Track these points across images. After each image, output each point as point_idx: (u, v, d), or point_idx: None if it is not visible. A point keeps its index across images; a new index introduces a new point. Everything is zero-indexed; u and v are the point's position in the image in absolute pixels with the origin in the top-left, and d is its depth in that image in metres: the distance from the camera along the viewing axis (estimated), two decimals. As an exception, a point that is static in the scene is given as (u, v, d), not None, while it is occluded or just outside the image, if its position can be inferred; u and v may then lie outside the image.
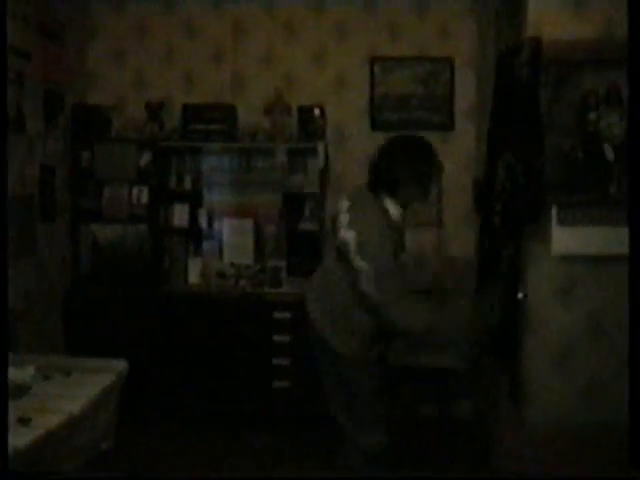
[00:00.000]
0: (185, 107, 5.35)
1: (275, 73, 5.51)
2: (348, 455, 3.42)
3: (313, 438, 4.62)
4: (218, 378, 5.08)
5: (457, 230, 5.35)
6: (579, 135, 4.01)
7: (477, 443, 4.75)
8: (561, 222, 4.03)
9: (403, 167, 3.22)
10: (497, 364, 4.22)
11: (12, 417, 2.55)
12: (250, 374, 5.08)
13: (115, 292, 5.18)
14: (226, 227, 5.42)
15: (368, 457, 3.33)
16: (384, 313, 3.13)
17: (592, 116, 3.99)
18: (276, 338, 5.06)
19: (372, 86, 5.48)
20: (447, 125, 5.44)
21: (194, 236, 5.45)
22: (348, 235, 3.17)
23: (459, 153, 5.37)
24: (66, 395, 3.01)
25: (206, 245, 5.43)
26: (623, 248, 3.96)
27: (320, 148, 5.18)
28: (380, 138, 5.15)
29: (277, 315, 5.07)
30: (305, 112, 5.27)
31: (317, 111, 5.26)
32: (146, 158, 5.28)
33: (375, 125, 5.46)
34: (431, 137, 5.32)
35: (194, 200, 5.43)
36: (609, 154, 4.00)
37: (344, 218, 3.23)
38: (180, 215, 5.42)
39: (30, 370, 3.18)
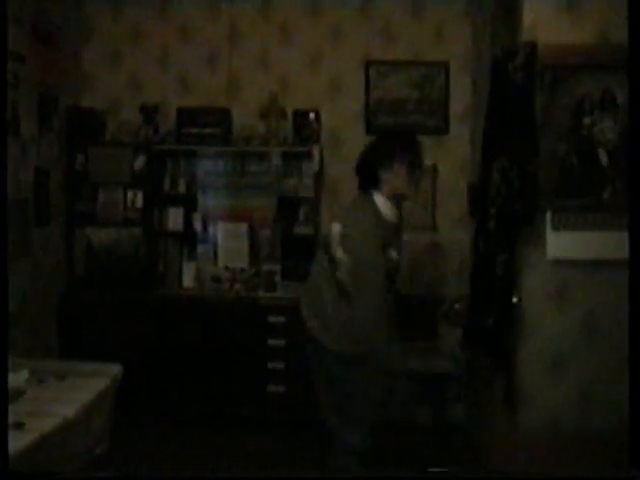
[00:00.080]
0: (180, 110, 5.34)
1: (270, 77, 5.51)
2: (338, 455, 3.41)
3: (307, 442, 4.61)
4: (212, 382, 5.07)
5: (451, 234, 5.36)
6: (573, 140, 4.02)
7: (471, 447, 4.75)
8: (555, 226, 4.04)
9: (382, 152, 3.23)
10: (492, 368, 4.22)
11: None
12: (245, 378, 5.07)
13: (109, 296, 5.17)
14: (221, 231, 5.41)
15: (356, 456, 3.32)
16: (355, 304, 3.14)
17: (586, 121, 4.01)
18: (270, 342, 5.06)
19: (367, 90, 5.48)
20: (442, 129, 5.45)
21: (188, 240, 5.44)
22: (334, 229, 3.19)
23: (454, 157, 5.38)
24: (60, 399, 3.00)
25: (200, 249, 5.42)
26: (617, 252, 4.00)
27: (315, 152, 5.18)
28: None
29: (271, 319, 5.06)
30: (300, 116, 5.28)
31: (312, 115, 5.26)
32: (141, 161, 5.27)
33: (370, 129, 5.46)
34: (426, 141, 5.38)
35: (189, 204, 5.42)
36: (603, 159, 4.01)
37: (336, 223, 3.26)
38: (174, 219, 5.42)
39: (24, 374, 3.17)
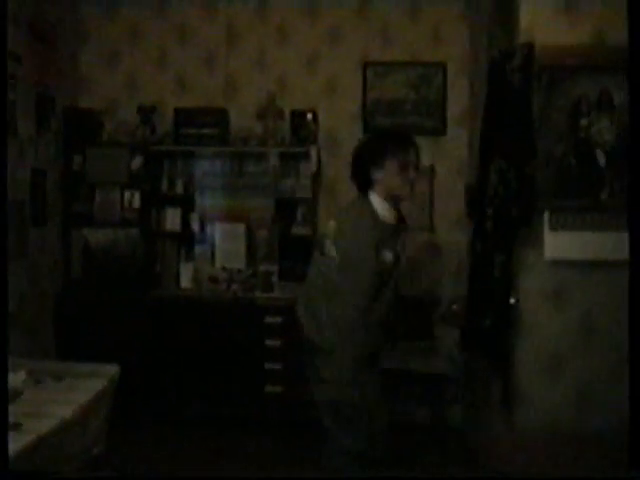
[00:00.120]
0: (177, 111, 5.34)
1: (268, 77, 5.51)
2: (332, 455, 3.40)
3: (305, 442, 4.60)
4: (210, 382, 5.07)
5: (449, 235, 5.36)
6: (571, 140, 4.02)
7: (469, 448, 4.75)
8: (553, 227, 4.04)
9: (374, 152, 3.20)
10: (489, 369, 4.22)
11: (3, 422, 2.53)
12: (242, 378, 5.07)
13: (107, 296, 5.17)
14: (218, 231, 5.41)
15: (350, 457, 3.31)
16: (345, 305, 3.16)
17: (584, 122, 4.01)
18: (268, 342, 5.06)
19: (364, 91, 5.49)
20: (439, 130, 5.45)
21: (186, 240, 5.44)
22: (329, 227, 3.21)
23: (451, 158, 5.39)
24: (58, 400, 2.99)
25: (198, 249, 5.42)
26: (615, 253, 4.01)
27: (312, 152, 5.19)
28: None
29: (269, 320, 5.06)
30: (298, 116, 5.28)
31: (309, 115, 5.27)
32: (138, 162, 5.27)
33: (367, 130, 5.46)
34: (423, 142, 5.40)
35: (186, 204, 5.43)
36: (601, 160, 4.01)
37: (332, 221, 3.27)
38: (172, 219, 5.42)
39: (21, 375, 3.17)
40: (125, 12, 5.60)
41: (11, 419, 2.64)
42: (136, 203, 5.27)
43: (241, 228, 5.37)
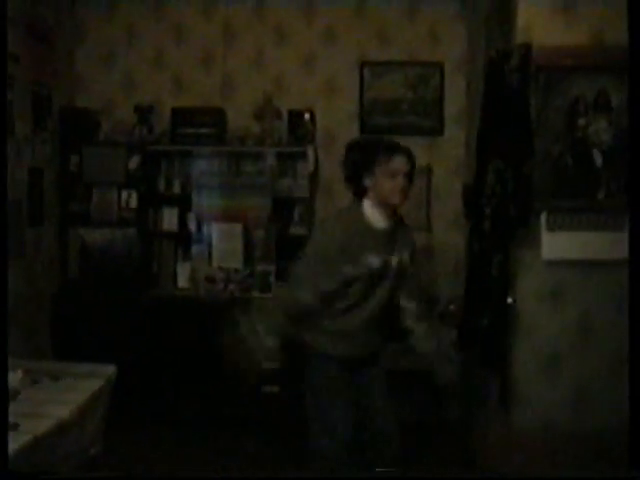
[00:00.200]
0: (174, 111, 5.34)
1: (265, 77, 5.51)
2: (314, 457, 3.42)
3: (302, 442, 4.59)
4: (207, 382, 5.07)
5: (446, 235, 5.36)
6: (568, 141, 4.02)
7: (466, 447, 4.75)
8: (550, 227, 4.04)
9: (364, 160, 3.23)
10: (487, 368, 4.22)
11: (0, 422, 2.53)
12: (239, 378, 5.06)
13: (103, 296, 5.16)
14: (215, 231, 5.40)
15: (329, 461, 3.33)
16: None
17: (581, 122, 4.01)
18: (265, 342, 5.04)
19: (362, 90, 5.49)
20: (437, 130, 5.46)
21: (183, 240, 5.43)
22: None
23: (449, 158, 5.40)
24: (55, 400, 2.98)
25: (195, 249, 5.41)
26: (612, 253, 4.01)
27: (310, 152, 5.19)
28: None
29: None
30: (295, 116, 5.28)
31: (307, 115, 5.27)
32: (135, 162, 5.27)
33: (365, 129, 5.47)
34: (420, 142, 5.45)
35: (183, 204, 5.42)
36: (598, 160, 4.02)
37: None
38: (169, 219, 5.42)
39: (18, 375, 3.15)
40: (122, 12, 5.60)
41: (9, 419, 2.64)
42: (133, 203, 5.26)
43: (238, 228, 5.36)
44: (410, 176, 3.22)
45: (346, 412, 3.28)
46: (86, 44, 5.60)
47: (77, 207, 5.29)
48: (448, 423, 5.17)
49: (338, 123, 5.46)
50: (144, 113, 5.38)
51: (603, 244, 4.02)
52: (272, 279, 5.22)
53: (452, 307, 4.81)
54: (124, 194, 5.27)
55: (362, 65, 5.48)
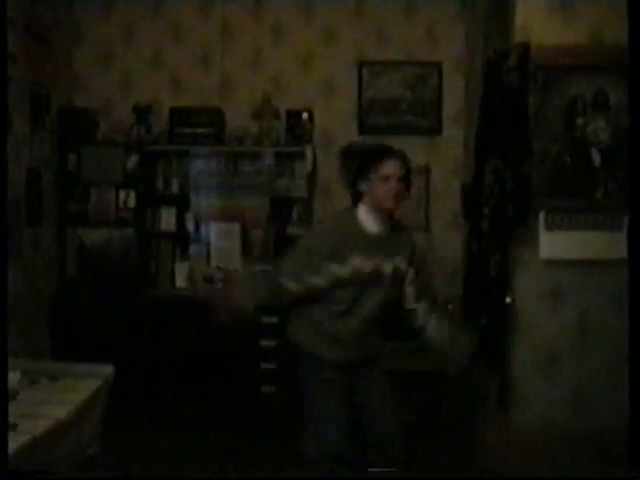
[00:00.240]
0: (172, 110, 5.33)
1: (263, 77, 5.51)
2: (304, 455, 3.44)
3: (300, 442, 4.59)
4: (205, 382, 5.06)
5: (445, 234, 5.36)
6: (566, 140, 4.03)
7: (465, 447, 4.75)
8: (549, 227, 4.05)
9: (358, 166, 3.25)
10: (486, 368, 4.22)
11: (-2, 423, 2.53)
12: (237, 378, 5.06)
13: (102, 296, 5.15)
14: (213, 231, 5.39)
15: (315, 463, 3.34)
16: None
17: (579, 121, 4.02)
18: (263, 343, 5.05)
19: (360, 90, 5.49)
20: (435, 129, 5.46)
21: (181, 240, 5.42)
22: None
23: (447, 157, 5.40)
24: (53, 400, 2.98)
25: (193, 249, 5.40)
26: (610, 253, 4.02)
27: (308, 152, 5.18)
28: (368, 142, 5.23)
29: (264, 320, 5.05)
30: (293, 116, 5.27)
31: (305, 115, 5.26)
32: (133, 161, 5.26)
33: (363, 129, 5.47)
34: (419, 142, 5.45)
35: (181, 204, 5.41)
36: (596, 159, 4.02)
37: None
38: (167, 219, 5.41)
39: (16, 375, 3.15)
40: (120, 11, 5.59)
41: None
42: (131, 203, 5.25)
43: (236, 228, 5.35)
44: (406, 180, 3.21)
45: (339, 413, 3.27)
46: (84, 44, 5.59)
47: (75, 207, 5.27)
48: (447, 423, 5.16)
49: (336, 123, 5.46)
50: (142, 113, 5.37)
51: (601, 243, 4.03)
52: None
53: (450, 307, 4.81)
54: (122, 194, 5.26)
55: (360, 65, 5.48)
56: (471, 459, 4.51)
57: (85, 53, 5.59)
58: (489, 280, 4.08)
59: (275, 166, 5.28)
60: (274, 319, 4.98)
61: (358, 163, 3.25)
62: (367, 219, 3.22)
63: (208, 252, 5.38)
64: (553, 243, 4.05)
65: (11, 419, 2.64)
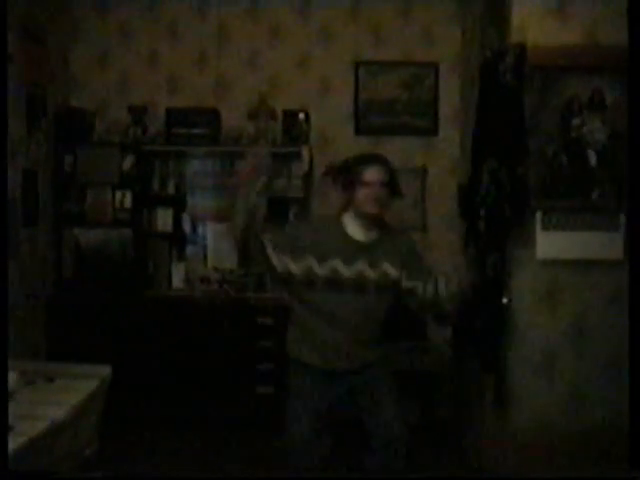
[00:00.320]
0: (169, 111, 5.33)
1: (259, 77, 5.50)
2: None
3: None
4: (202, 383, 5.06)
5: (442, 235, 5.36)
6: (562, 140, 4.03)
7: (461, 447, 4.75)
8: (545, 227, 4.06)
9: (344, 172, 3.30)
10: (482, 368, 4.23)
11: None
12: (234, 379, 5.06)
13: (98, 297, 5.15)
14: (210, 231, 5.40)
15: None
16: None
17: (575, 122, 4.02)
18: (260, 343, 5.05)
19: (357, 90, 5.49)
20: (431, 130, 5.46)
21: (178, 241, 5.42)
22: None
23: (443, 158, 5.40)
24: (50, 401, 2.97)
25: (190, 250, 5.41)
26: (606, 253, 4.03)
27: (304, 152, 5.18)
28: (364, 142, 5.25)
29: (261, 320, 5.05)
30: (289, 116, 5.27)
31: (301, 115, 5.26)
32: (129, 162, 5.25)
33: (359, 130, 5.47)
34: (415, 142, 5.45)
35: (178, 204, 5.41)
36: (592, 160, 4.03)
37: None
38: (164, 219, 5.40)
39: (13, 376, 3.14)
40: (116, 12, 5.58)
41: (3, 421, 2.63)
42: (127, 203, 5.25)
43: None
44: (391, 186, 3.23)
45: (309, 420, 3.29)
46: (80, 44, 5.58)
47: (71, 207, 5.27)
48: (443, 423, 5.17)
49: (333, 123, 5.46)
50: (138, 113, 5.37)
51: (598, 244, 4.04)
52: (267, 279, 5.22)
53: (447, 307, 4.80)
54: (118, 194, 5.25)
55: (357, 65, 5.48)
56: (468, 459, 4.52)
57: (81, 53, 5.58)
58: (486, 280, 4.08)
59: (272, 166, 5.27)
60: (270, 320, 4.99)
61: (346, 172, 3.28)
62: (352, 226, 3.24)
63: (205, 253, 5.39)
64: (549, 243, 4.06)
65: (8, 420, 2.63)
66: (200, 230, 5.42)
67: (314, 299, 3.23)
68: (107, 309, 5.12)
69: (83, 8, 5.58)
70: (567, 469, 3.96)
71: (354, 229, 3.24)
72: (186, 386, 5.07)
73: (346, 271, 3.18)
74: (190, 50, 5.56)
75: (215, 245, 5.37)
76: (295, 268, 3.21)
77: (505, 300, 4.06)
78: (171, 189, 5.41)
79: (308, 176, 5.27)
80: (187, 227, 5.42)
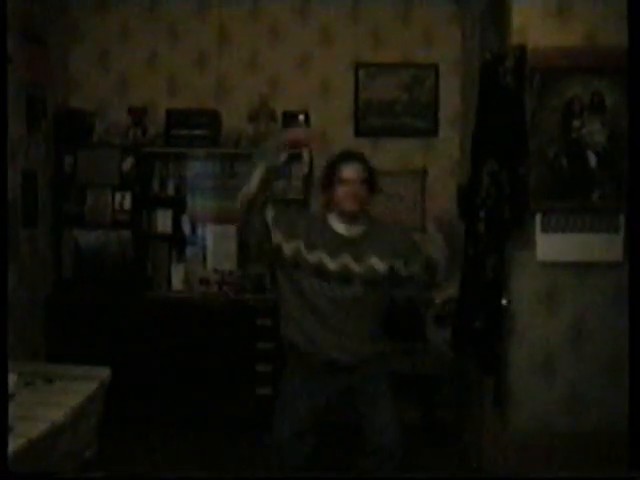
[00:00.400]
0: (169, 112, 5.32)
1: (259, 78, 5.50)
2: None
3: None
4: (201, 384, 5.06)
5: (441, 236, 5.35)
6: (562, 142, 4.03)
7: (461, 449, 4.75)
8: (545, 229, 4.05)
9: (325, 171, 3.38)
10: (481, 370, 4.22)
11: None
12: (233, 380, 5.06)
13: (98, 298, 5.15)
14: (209, 233, 5.40)
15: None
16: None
17: (575, 123, 4.02)
18: (259, 344, 5.05)
19: (356, 92, 5.49)
20: (431, 131, 5.46)
21: (177, 242, 5.42)
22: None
23: (443, 159, 5.40)
24: (48, 403, 2.98)
25: (189, 251, 5.41)
26: (606, 255, 4.03)
27: (304, 154, 5.17)
28: (364, 144, 5.24)
29: (260, 321, 5.05)
30: (289, 117, 5.27)
31: (301, 116, 5.26)
32: (129, 163, 5.25)
33: (359, 131, 5.47)
34: (415, 143, 5.45)
35: (177, 206, 5.41)
36: (592, 161, 4.03)
37: None
38: (163, 221, 5.40)
39: (12, 377, 3.14)
40: (116, 13, 5.58)
41: (2, 422, 2.63)
42: (127, 205, 5.25)
43: (232, 230, 5.35)
44: (369, 183, 3.28)
45: (293, 420, 3.36)
46: (80, 45, 5.58)
47: (71, 209, 5.27)
48: (443, 425, 5.17)
49: (333, 124, 5.46)
50: (138, 115, 5.37)
51: (597, 245, 4.04)
52: (266, 281, 5.22)
53: (446, 308, 4.80)
54: (118, 196, 5.25)
55: (357, 66, 5.48)
56: (468, 460, 4.51)
57: (81, 54, 5.58)
58: (485, 282, 4.08)
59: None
60: (269, 321, 4.98)
61: (327, 171, 3.34)
62: (335, 223, 3.29)
63: (204, 254, 5.39)
64: (549, 245, 4.06)
65: (8, 422, 2.63)
66: (200, 231, 5.43)
67: (301, 281, 3.25)
68: (107, 310, 5.12)
69: (83, 9, 5.57)
70: (566, 470, 3.96)
71: (338, 225, 3.28)
72: (186, 387, 5.07)
73: (331, 264, 3.21)
74: (190, 51, 5.56)
75: (215, 247, 5.38)
76: (287, 248, 3.24)
77: (505, 302, 4.06)
78: (171, 190, 5.40)
79: (308, 177, 5.27)
80: (187, 228, 5.42)
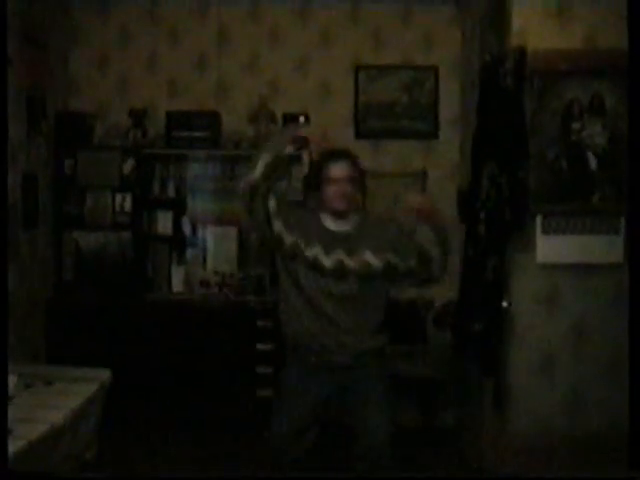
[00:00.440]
0: (169, 114, 5.32)
1: (259, 80, 5.50)
2: None
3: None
4: (202, 386, 5.06)
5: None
6: (563, 144, 4.03)
7: (461, 450, 4.75)
8: (545, 231, 4.06)
9: (314, 171, 3.39)
10: (481, 371, 4.22)
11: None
12: (233, 382, 5.06)
13: (98, 300, 5.15)
14: (210, 235, 5.40)
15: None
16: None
17: (575, 125, 4.02)
18: (259, 346, 5.05)
19: (356, 94, 5.49)
20: (431, 133, 5.46)
21: (178, 244, 5.42)
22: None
23: (443, 161, 5.40)
24: (49, 405, 2.97)
25: (190, 253, 5.41)
26: (607, 257, 4.03)
27: (304, 155, 5.16)
28: (364, 146, 5.25)
29: (260, 323, 5.05)
30: (289, 119, 5.26)
31: (301, 118, 5.25)
32: (129, 165, 5.25)
33: (359, 133, 5.47)
34: (415, 145, 5.45)
35: (178, 208, 5.41)
36: (592, 163, 4.03)
37: None
38: (164, 223, 5.40)
39: (12, 379, 3.14)
40: (116, 15, 5.58)
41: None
42: (127, 206, 5.25)
43: (233, 231, 5.36)
44: (358, 182, 3.28)
45: (291, 418, 3.38)
46: (80, 47, 5.58)
47: (71, 210, 5.26)
48: (443, 427, 5.17)
49: (333, 126, 5.44)
50: (138, 116, 5.37)
51: (598, 247, 4.04)
52: (267, 282, 5.22)
53: (447, 310, 4.81)
54: (118, 198, 5.25)
55: (357, 68, 5.48)
56: (467, 461, 4.51)
57: (81, 56, 5.58)
58: (486, 284, 4.08)
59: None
60: (270, 323, 4.98)
61: (316, 171, 3.34)
62: (327, 220, 3.30)
63: (205, 256, 5.39)
64: (550, 247, 4.06)
65: (7, 424, 2.63)
66: (200, 233, 5.42)
67: (298, 273, 3.25)
68: (107, 312, 5.12)
69: (83, 11, 5.57)
70: (566, 471, 3.95)
71: (330, 223, 3.29)
72: (186, 389, 5.06)
73: (326, 260, 3.21)
74: (190, 53, 5.56)
75: (215, 248, 5.38)
76: (287, 238, 3.24)
77: (505, 304, 4.06)
78: (171, 192, 5.40)
79: (308, 179, 5.27)
80: (187, 230, 5.42)
